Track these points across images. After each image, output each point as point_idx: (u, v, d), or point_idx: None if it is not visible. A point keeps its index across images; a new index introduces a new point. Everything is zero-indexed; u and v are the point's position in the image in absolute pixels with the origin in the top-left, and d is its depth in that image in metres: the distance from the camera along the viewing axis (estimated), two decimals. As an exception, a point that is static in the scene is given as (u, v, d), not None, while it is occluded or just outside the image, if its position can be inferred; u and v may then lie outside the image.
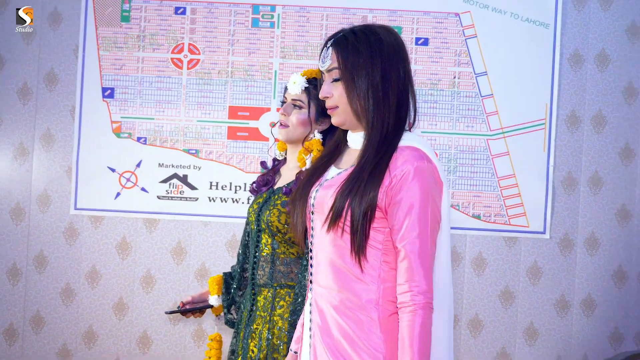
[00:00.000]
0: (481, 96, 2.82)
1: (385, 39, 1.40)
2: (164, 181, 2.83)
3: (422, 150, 1.37)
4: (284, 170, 2.04)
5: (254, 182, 2.08)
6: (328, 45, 1.43)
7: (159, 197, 2.82)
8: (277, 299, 1.86)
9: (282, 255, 1.88)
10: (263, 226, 1.90)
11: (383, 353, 1.34)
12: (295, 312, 1.80)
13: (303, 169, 1.90)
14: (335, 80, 1.42)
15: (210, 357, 2.10)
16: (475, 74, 2.82)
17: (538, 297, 2.83)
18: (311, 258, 1.48)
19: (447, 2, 2.80)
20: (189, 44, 2.82)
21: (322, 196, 1.43)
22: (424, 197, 1.32)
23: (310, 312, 1.47)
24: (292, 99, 1.90)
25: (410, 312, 1.30)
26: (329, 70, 1.43)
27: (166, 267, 2.84)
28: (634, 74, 2.82)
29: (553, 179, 2.83)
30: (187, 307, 2.06)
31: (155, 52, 2.82)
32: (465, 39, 2.81)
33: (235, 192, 2.82)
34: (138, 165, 2.82)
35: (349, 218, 1.35)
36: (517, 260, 2.83)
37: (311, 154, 1.90)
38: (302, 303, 1.79)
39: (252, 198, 2.13)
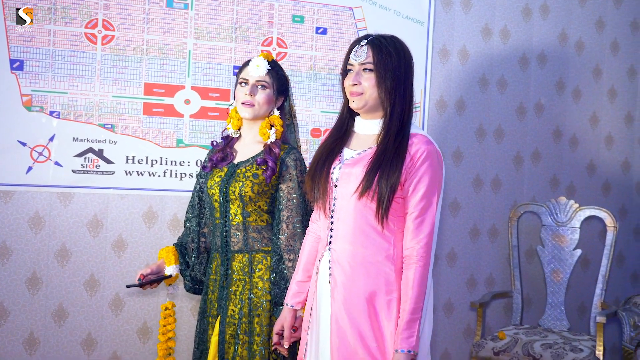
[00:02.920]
0: (370, 81, 3.40)
1: (406, 50, 1.93)
2: (79, 155, 3.00)
3: (428, 137, 1.89)
4: (239, 146, 2.40)
5: (209, 160, 2.40)
6: (363, 44, 1.89)
7: (74, 171, 2.99)
8: (254, 263, 2.25)
9: (254, 223, 2.26)
10: (232, 197, 2.25)
11: (397, 298, 1.87)
12: (276, 270, 2.21)
13: (267, 141, 2.30)
14: (367, 71, 1.89)
15: (166, 325, 2.39)
16: (365, 61, 3.38)
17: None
18: (331, 223, 1.92)
19: (343, -3, 3.33)
20: (103, 20, 3.00)
21: (349, 172, 1.92)
22: (433, 174, 1.87)
23: (330, 269, 1.92)
24: (257, 80, 2.29)
25: (413, 263, 1.85)
26: (362, 63, 1.89)
27: (82, 240, 3.02)
28: (487, 67, 3.62)
29: (426, 153, 3.52)
30: (148, 278, 2.33)
31: (67, 26, 2.96)
32: (357, 31, 3.37)
33: (152, 166, 3.09)
34: (51, 139, 2.96)
35: (377, 189, 1.83)
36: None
37: (274, 127, 2.31)
38: (279, 262, 2.21)
39: (197, 173, 2.47)
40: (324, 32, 3.33)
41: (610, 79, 3.87)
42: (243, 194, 2.22)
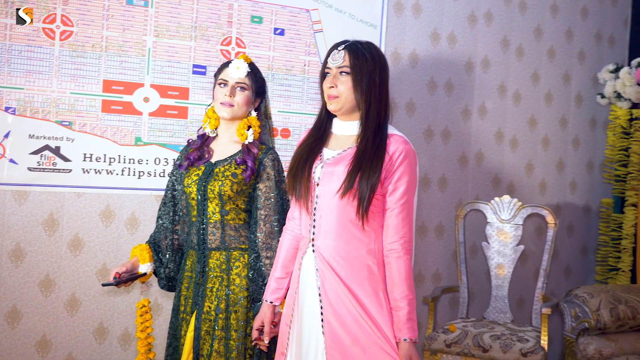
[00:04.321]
0: (325, 82, 3.59)
1: (381, 55, 2.12)
2: (35, 152, 3.03)
3: (404, 137, 2.08)
4: (215, 145, 2.53)
5: (186, 158, 2.50)
6: (340, 49, 2.06)
7: (29, 169, 3.02)
8: (232, 261, 2.38)
9: (232, 222, 2.39)
10: (211, 195, 2.38)
11: (382, 288, 2.05)
12: (254, 267, 2.35)
13: (245, 142, 2.44)
14: (344, 74, 2.06)
15: (144, 322, 2.49)
16: (321, 63, 3.56)
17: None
18: (314, 220, 2.08)
19: (300, -2, 3.51)
20: (62, 15, 3.04)
21: (331, 171, 2.09)
22: (411, 173, 2.07)
23: (316, 264, 2.10)
24: (236, 82, 2.43)
25: (399, 257, 2.04)
26: (339, 67, 2.06)
27: (37, 240, 3.06)
28: (435, 71, 3.88)
29: (378, 153, 3.74)
30: (123, 277, 2.42)
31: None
32: (314, 33, 3.55)
33: (110, 164, 3.15)
34: (6, 135, 2.98)
35: (358, 189, 2.02)
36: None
37: (251, 128, 2.46)
38: (257, 259, 2.36)
39: (170, 171, 2.58)
40: (282, 33, 3.48)
41: (547, 83, 4.22)
42: (222, 193, 2.35)
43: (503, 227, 3.67)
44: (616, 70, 4.12)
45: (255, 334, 2.27)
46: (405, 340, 2.02)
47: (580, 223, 4.41)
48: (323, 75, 2.17)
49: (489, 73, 4.04)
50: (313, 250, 2.12)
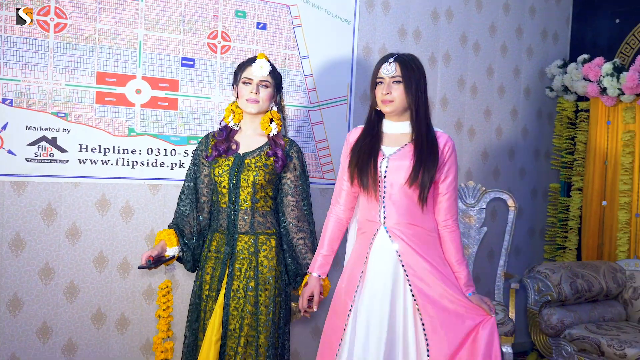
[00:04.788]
0: (304, 75, 3.82)
1: (422, 65, 2.57)
2: (33, 144, 3.12)
3: (445, 133, 2.54)
4: (240, 137, 2.77)
5: (214, 149, 2.71)
6: (390, 61, 2.50)
7: (27, 160, 3.10)
8: (259, 244, 2.64)
9: (261, 209, 2.67)
10: (244, 184, 2.64)
11: (443, 258, 2.54)
12: (292, 249, 2.71)
13: (270, 134, 2.68)
14: (396, 82, 2.48)
15: (166, 302, 2.69)
16: (300, 57, 3.80)
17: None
18: (384, 206, 2.50)
19: (281, -6, 3.72)
20: (55, 7, 3.14)
21: (397, 165, 2.51)
22: (456, 162, 2.57)
23: (392, 240, 2.50)
24: (260, 80, 2.68)
25: (452, 231, 2.57)
26: (392, 77, 2.49)
27: (36, 229, 3.15)
28: (402, 65, 4.18)
29: (351, 142, 4.00)
30: (156, 259, 2.61)
31: (19, 12, 3.05)
32: (294, 28, 3.77)
33: (105, 154, 3.28)
34: (4, 127, 3.05)
35: (421, 180, 2.46)
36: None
37: (273, 122, 2.70)
38: (292, 241, 2.66)
39: (189, 161, 2.78)
40: (264, 27, 3.68)
41: (500, 77, 4.61)
42: (256, 182, 2.63)
43: (468, 210, 4.03)
44: (564, 66, 4.55)
45: (305, 303, 2.62)
46: (471, 294, 2.55)
47: (528, 206, 4.84)
48: (374, 84, 2.57)
49: (449, 67, 4.38)
50: (387, 231, 2.51)
